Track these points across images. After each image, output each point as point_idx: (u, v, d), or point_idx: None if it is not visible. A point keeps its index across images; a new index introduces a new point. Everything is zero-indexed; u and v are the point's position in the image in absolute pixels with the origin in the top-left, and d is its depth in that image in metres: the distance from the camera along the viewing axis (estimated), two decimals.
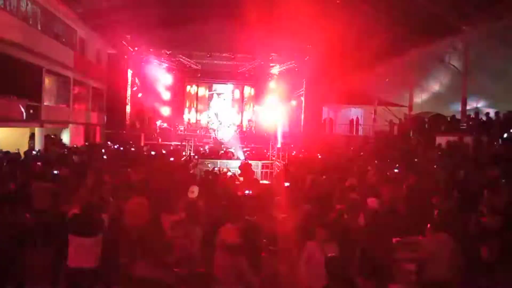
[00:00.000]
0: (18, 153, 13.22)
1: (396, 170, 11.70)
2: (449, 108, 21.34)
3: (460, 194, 8.07)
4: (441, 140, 16.05)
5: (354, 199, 6.77)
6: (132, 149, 19.39)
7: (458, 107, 18.64)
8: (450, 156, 13.12)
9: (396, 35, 22.08)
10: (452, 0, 17.20)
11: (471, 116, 17.39)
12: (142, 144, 23.77)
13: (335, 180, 9.68)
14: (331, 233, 5.17)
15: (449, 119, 18.93)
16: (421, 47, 20.80)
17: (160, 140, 26.26)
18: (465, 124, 17.00)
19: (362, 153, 18.13)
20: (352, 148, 20.96)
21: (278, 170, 15.36)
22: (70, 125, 20.77)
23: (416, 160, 13.76)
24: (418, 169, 11.71)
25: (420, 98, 22.74)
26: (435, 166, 11.75)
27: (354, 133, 31.80)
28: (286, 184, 9.84)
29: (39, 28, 17.73)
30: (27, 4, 16.74)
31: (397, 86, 24.59)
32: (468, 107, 18.46)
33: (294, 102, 31.34)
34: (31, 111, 16.67)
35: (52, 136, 18.99)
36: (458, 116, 18.14)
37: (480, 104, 21.12)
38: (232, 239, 5.17)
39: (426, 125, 19.89)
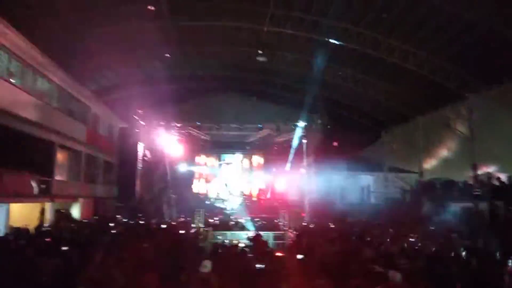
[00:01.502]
0: (27, 229, 13.08)
1: (412, 240, 11.34)
2: (459, 173, 21.14)
3: (480, 263, 7.72)
4: (455, 207, 15.71)
5: (377, 272, 6.50)
6: (141, 222, 19.16)
7: (468, 172, 18.45)
8: (467, 223, 12.76)
9: (402, 102, 22.63)
10: (452, 69, 17.77)
11: (484, 182, 17.15)
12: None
13: (350, 251, 9.36)
14: None
15: (461, 185, 18.67)
16: (426, 113, 21.16)
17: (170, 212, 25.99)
18: (478, 190, 16.73)
19: (377, 222, 17.71)
20: (365, 217, 20.54)
21: (290, 241, 14.98)
22: (80, 198, 20.75)
23: (432, 228, 13.38)
24: (436, 237, 11.36)
25: (429, 164, 22.65)
26: (453, 235, 11.37)
27: (366, 200, 31.31)
28: (299, 256, 9.51)
29: (54, 106, 18.37)
30: (42, 83, 17.50)
31: (406, 152, 24.65)
32: (478, 172, 18.26)
33: (303, 170, 31.27)
34: (42, 186, 16.77)
35: (62, 211, 18.90)
36: (470, 181, 17.90)
37: (491, 169, 20.93)
38: None
39: (439, 192, 19.60)
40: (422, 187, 21.60)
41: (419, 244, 10.34)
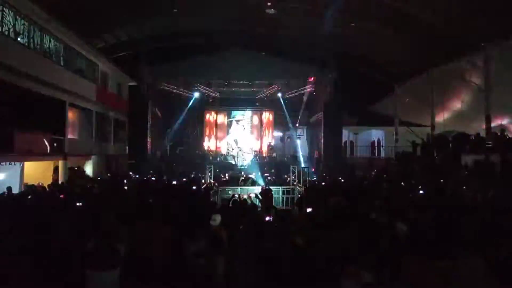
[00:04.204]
0: (44, 187, 13.39)
1: (421, 192, 11.36)
2: (472, 126, 20.83)
3: (491, 216, 7.71)
4: (467, 159, 15.57)
5: (383, 223, 6.56)
6: (153, 178, 19.48)
7: (481, 124, 18.15)
8: (478, 176, 12.68)
9: (415, 55, 22.01)
10: (469, 19, 17.07)
11: (497, 134, 16.88)
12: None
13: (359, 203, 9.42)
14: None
15: (473, 137, 18.39)
16: (440, 65, 20.59)
17: (180, 168, 26.33)
18: (490, 142, 16.49)
19: (385, 175, 17.74)
20: (375, 171, 20.56)
21: (299, 195, 15.13)
22: (93, 156, 21.07)
23: (442, 181, 13.35)
24: (446, 190, 11.35)
25: (442, 117, 22.31)
26: (464, 187, 11.34)
27: (376, 155, 31.32)
28: (308, 209, 9.61)
29: (62, 64, 18.28)
30: (50, 41, 17.34)
31: (418, 106, 24.27)
32: (492, 124, 17.95)
33: (313, 126, 31.21)
34: (55, 144, 17.03)
35: (76, 168, 19.27)
36: (483, 134, 17.63)
37: (505, 121, 20.60)
38: None
39: (450, 145, 19.38)
40: (434, 140, 21.38)
41: (429, 197, 10.35)
